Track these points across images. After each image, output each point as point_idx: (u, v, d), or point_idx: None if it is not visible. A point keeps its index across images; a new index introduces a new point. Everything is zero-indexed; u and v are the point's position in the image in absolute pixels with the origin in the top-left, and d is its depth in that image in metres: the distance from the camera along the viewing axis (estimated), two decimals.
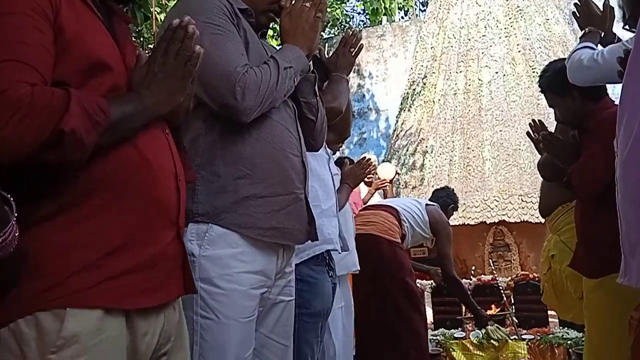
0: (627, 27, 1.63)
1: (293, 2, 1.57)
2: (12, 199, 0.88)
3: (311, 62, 1.63)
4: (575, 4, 2.33)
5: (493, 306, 4.66)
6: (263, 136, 1.48)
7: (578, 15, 2.32)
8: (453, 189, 4.51)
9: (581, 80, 2.17)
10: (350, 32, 2.13)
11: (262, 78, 1.41)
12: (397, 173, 6.06)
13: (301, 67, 1.53)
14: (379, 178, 5.20)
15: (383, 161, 7.29)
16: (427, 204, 3.83)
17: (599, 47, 2.19)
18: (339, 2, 11.00)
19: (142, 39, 5.09)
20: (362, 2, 10.81)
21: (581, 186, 2.20)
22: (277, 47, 1.63)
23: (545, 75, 2.55)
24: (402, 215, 3.61)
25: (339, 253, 2.18)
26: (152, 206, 1.06)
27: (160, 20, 4.92)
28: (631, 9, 1.57)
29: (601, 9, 2.28)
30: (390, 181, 5.54)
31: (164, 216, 1.09)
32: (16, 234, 0.88)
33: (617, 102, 2.16)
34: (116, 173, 1.02)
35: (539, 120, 2.72)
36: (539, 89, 2.60)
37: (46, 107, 0.89)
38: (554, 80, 2.41)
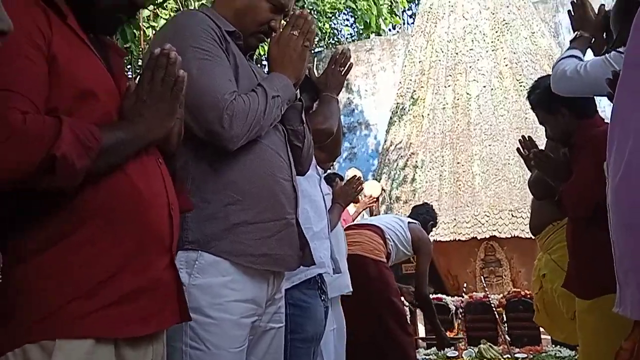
0: (613, 47, 1.62)
1: (281, 30, 1.57)
2: None
3: (298, 90, 1.62)
4: (572, 2, 2.33)
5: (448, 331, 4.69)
6: (253, 161, 1.46)
7: (573, 14, 2.32)
8: (432, 205, 4.59)
9: (564, 90, 2.18)
10: (340, 51, 2.12)
11: (250, 106, 1.39)
12: (383, 190, 6.06)
13: (288, 96, 1.52)
14: (365, 195, 5.20)
15: (373, 176, 7.29)
16: (409, 222, 3.86)
17: (585, 57, 2.19)
18: (327, 17, 11.04)
19: (130, 55, 5.06)
20: (352, 16, 10.86)
21: (572, 206, 2.19)
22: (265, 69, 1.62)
23: (534, 92, 2.55)
24: (386, 234, 3.63)
25: (331, 276, 2.15)
26: (145, 234, 1.07)
27: (149, 36, 4.90)
28: (618, 30, 1.57)
29: (597, 12, 2.26)
30: (377, 199, 5.55)
31: (157, 244, 1.10)
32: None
33: (606, 119, 2.18)
34: (107, 202, 1.03)
35: (528, 137, 2.72)
36: (529, 106, 2.60)
37: (38, 133, 0.91)
38: (543, 97, 2.41)
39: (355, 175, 3.05)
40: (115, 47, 1.26)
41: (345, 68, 2.10)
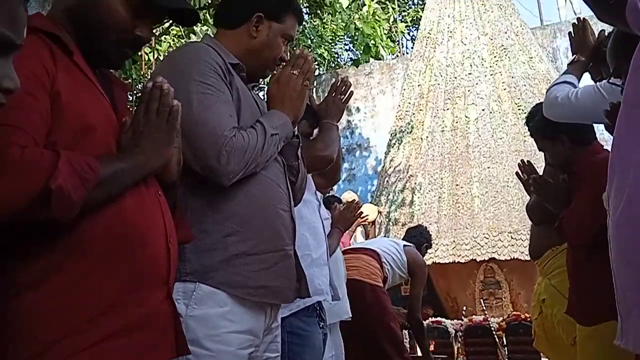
0: (610, 80, 1.65)
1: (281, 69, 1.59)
2: None
3: (296, 128, 1.64)
4: (573, 24, 2.34)
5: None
6: (254, 192, 1.46)
7: (573, 36, 2.33)
8: (426, 227, 4.59)
9: (554, 116, 2.20)
10: (340, 80, 2.15)
11: (249, 143, 1.41)
12: (379, 212, 6.07)
13: (286, 134, 1.54)
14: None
15: (372, 198, 7.28)
16: (404, 245, 3.87)
17: (583, 82, 2.22)
18: (327, 44, 11.14)
19: (131, 79, 5.12)
20: (351, 42, 10.96)
21: (572, 233, 2.20)
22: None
23: (533, 119, 2.57)
24: (383, 258, 3.64)
25: (330, 303, 2.15)
26: (140, 269, 1.07)
27: (150, 61, 4.96)
28: (615, 63, 1.59)
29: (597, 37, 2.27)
30: (373, 222, 5.54)
31: (154, 277, 1.10)
32: None
33: (605, 146, 2.19)
34: (103, 237, 1.03)
35: (527, 161, 2.74)
36: (529, 133, 2.62)
37: (35, 166, 0.93)
38: (542, 124, 2.42)
39: (355, 200, 3.07)
40: (119, 82, 1.27)
41: (346, 96, 2.12)
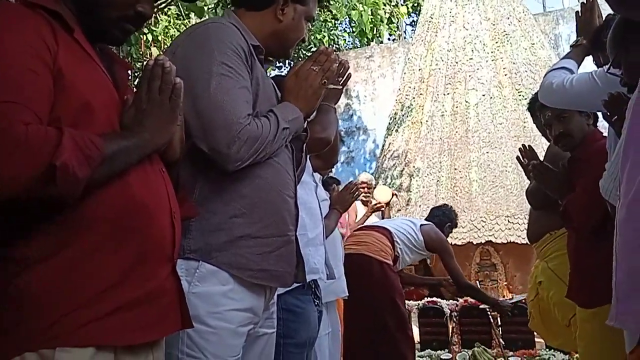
0: (610, 70, 1.64)
1: (301, 63, 1.57)
2: None
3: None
4: (581, 4, 2.29)
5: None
6: (262, 176, 1.47)
7: (579, 16, 2.29)
8: (451, 207, 4.53)
9: (549, 102, 2.20)
10: (338, 62, 2.15)
11: (262, 133, 1.40)
12: (394, 195, 6.07)
13: (296, 128, 1.54)
14: (374, 199, 5.23)
15: None
16: (422, 224, 3.85)
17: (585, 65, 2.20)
18: (327, 28, 11.04)
19: (130, 59, 5.10)
20: (351, 25, 10.88)
21: (577, 219, 2.20)
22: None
23: (536, 104, 2.57)
24: (395, 237, 3.64)
25: (325, 282, 2.17)
26: (146, 244, 1.08)
27: (149, 41, 4.94)
28: (614, 53, 1.59)
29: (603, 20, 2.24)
30: (387, 204, 5.55)
31: (159, 253, 1.11)
32: None
33: (604, 132, 2.20)
34: (109, 212, 1.04)
35: (529, 146, 2.74)
36: (528, 115, 2.58)
37: (39, 144, 0.92)
38: None
39: (352, 181, 3.08)
40: (120, 60, 1.27)
41: (344, 78, 2.12)
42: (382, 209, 5.38)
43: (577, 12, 2.32)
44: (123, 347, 1.04)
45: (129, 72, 1.33)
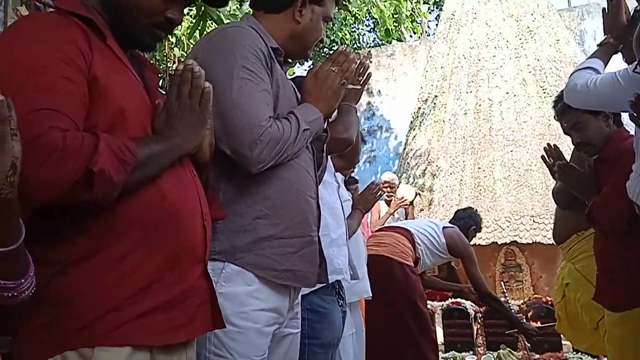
0: (636, 69, 1.60)
1: (320, 64, 1.57)
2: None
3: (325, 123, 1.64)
4: (608, 1, 2.21)
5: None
6: (285, 177, 1.48)
7: (606, 13, 2.21)
8: (476, 210, 4.41)
9: (573, 102, 2.16)
10: (359, 62, 2.13)
11: (283, 136, 1.41)
12: (417, 194, 6.00)
13: (317, 129, 1.54)
14: (397, 198, 5.18)
15: None
16: (445, 227, 3.80)
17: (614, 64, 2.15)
18: (348, 26, 11.02)
19: (154, 60, 5.16)
20: (373, 23, 10.83)
21: (604, 220, 2.16)
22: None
23: (562, 101, 2.52)
24: (416, 238, 3.61)
25: (349, 282, 2.17)
26: (179, 246, 1.10)
27: (172, 43, 4.99)
28: None
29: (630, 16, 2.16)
30: (411, 202, 5.50)
31: (191, 254, 1.13)
32: (33, 281, 0.91)
33: (631, 132, 2.15)
34: (143, 215, 1.06)
35: (554, 145, 2.69)
36: (561, 110, 2.52)
37: (77, 150, 0.95)
38: None
39: (374, 181, 3.06)
40: (150, 65, 1.29)
41: (364, 78, 2.10)
42: (406, 205, 5.33)
43: (603, 9, 2.25)
44: (158, 347, 1.06)
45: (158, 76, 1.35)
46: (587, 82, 2.04)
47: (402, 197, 5.15)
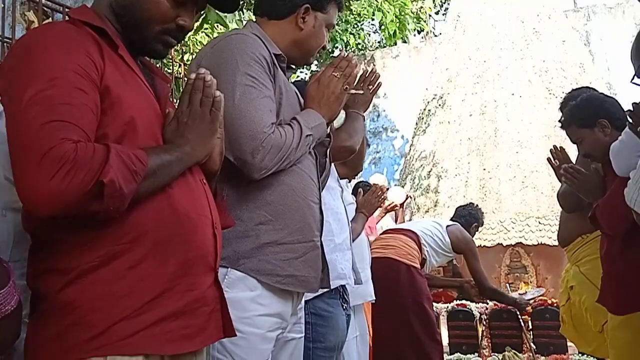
0: (634, 81, 1.60)
1: (323, 69, 1.58)
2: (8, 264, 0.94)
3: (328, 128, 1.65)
4: (634, 104, 1.89)
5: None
6: (287, 183, 1.49)
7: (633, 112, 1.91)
8: (477, 206, 4.42)
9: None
10: (370, 70, 2.13)
11: (285, 142, 1.43)
12: (408, 197, 6.01)
13: (319, 135, 1.56)
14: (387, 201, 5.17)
15: (397, 182, 7.26)
16: (448, 225, 3.82)
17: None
18: (354, 29, 10.98)
19: (160, 63, 5.17)
20: (380, 27, 10.81)
21: (608, 223, 2.16)
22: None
23: (567, 104, 2.52)
24: (422, 240, 3.62)
25: (352, 287, 2.17)
26: (190, 255, 1.10)
27: (179, 49, 5.01)
28: (638, 64, 1.54)
29: None
30: (401, 205, 5.50)
31: (202, 263, 1.13)
32: (15, 295, 0.93)
33: None
34: (154, 224, 1.07)
35: (560, 147, 2.68)
36: (560, 126, 2.52)
37: (88, 161, 0.95)
38: (578, 111, 2.35)
39: (377, 184, 3.07)
40: (160, 73, 1.30)
41: (374, 87, 2.10)
42: (396, 209, 5.34)
43: (632, 109, 1.91)
44: (169, 356, 1.07)
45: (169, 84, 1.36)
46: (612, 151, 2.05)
47: (392, 202, 5.15)
